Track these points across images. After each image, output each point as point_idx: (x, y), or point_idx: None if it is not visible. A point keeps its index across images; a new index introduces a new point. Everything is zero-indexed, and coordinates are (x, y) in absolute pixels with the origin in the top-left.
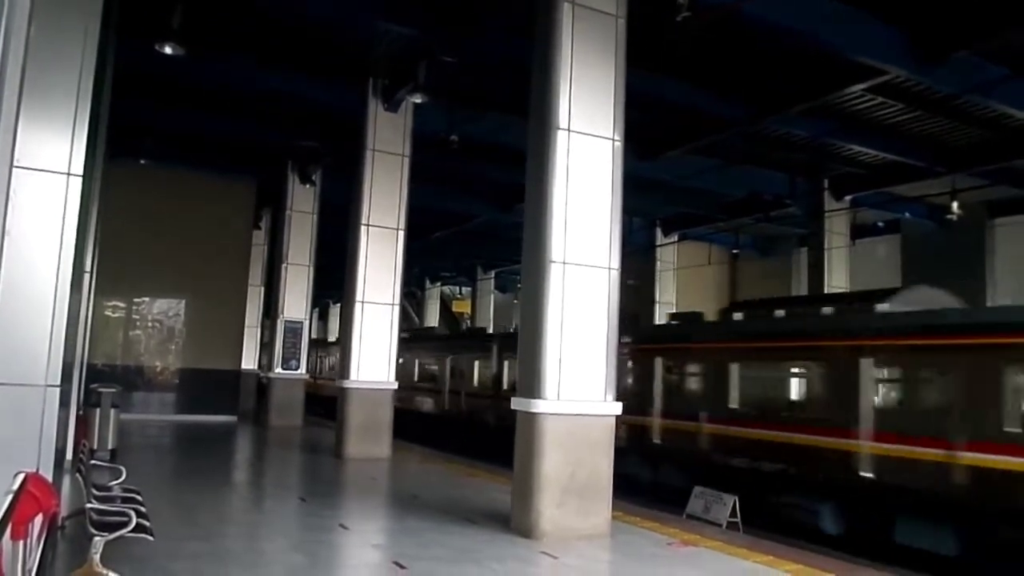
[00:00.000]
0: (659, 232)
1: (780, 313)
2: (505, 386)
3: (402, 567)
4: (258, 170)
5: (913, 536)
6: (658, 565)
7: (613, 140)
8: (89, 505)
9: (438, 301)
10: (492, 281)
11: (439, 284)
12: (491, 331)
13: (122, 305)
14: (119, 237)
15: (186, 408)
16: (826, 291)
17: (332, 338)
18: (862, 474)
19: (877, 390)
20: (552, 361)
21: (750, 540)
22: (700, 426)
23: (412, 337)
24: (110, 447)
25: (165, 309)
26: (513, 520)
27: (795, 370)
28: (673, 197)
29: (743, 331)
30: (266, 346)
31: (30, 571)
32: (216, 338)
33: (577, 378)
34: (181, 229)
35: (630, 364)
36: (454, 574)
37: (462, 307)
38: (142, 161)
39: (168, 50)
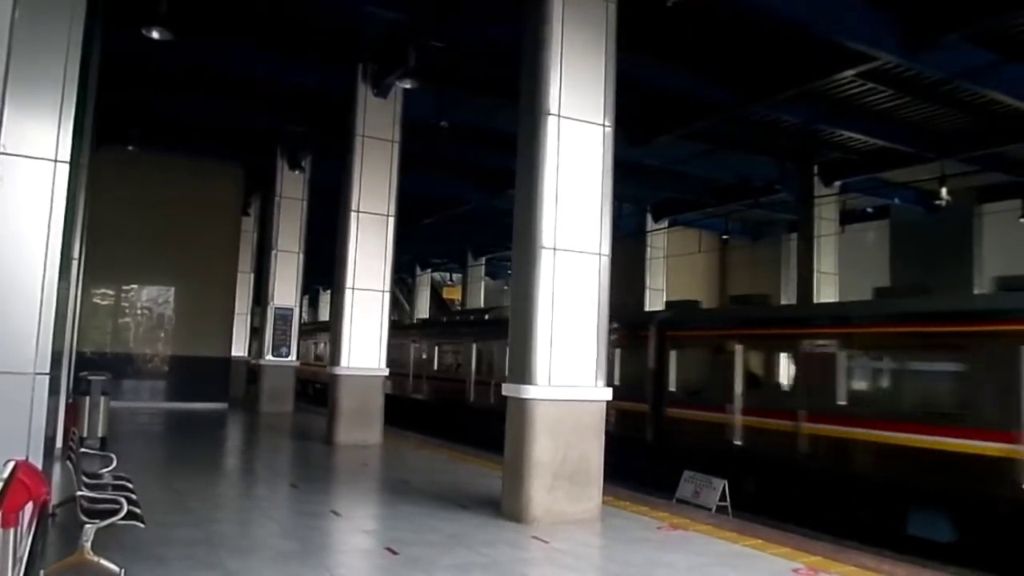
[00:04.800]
0: (649, 218)
1: None
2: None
3: (394, 552)
4: (247, 156)
5: None
6: (648, 549)
7: (604, 126)
8: (80, 493)
9: (428, 288)
10: (483, 267)
11: (430, 271)
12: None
13: (111, 292)
14: (107, 224)
15: (176, 395)
16: (815, 276)
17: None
18: None
19: None
20: (543, 347)
21: (739, 524)
22: None
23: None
24: (100, 435)
25: (154, 296)
26: (504, 505)
27: None
28: (663, 183)
29: None
30: (256, 333)
31: (21, 559)
32: (206, 325)
33: (568, 364)
34: (170, 216)
35: None
36: (446, 559)
37: (453, 294)
38: (130, 147)
39: (155, 35)
